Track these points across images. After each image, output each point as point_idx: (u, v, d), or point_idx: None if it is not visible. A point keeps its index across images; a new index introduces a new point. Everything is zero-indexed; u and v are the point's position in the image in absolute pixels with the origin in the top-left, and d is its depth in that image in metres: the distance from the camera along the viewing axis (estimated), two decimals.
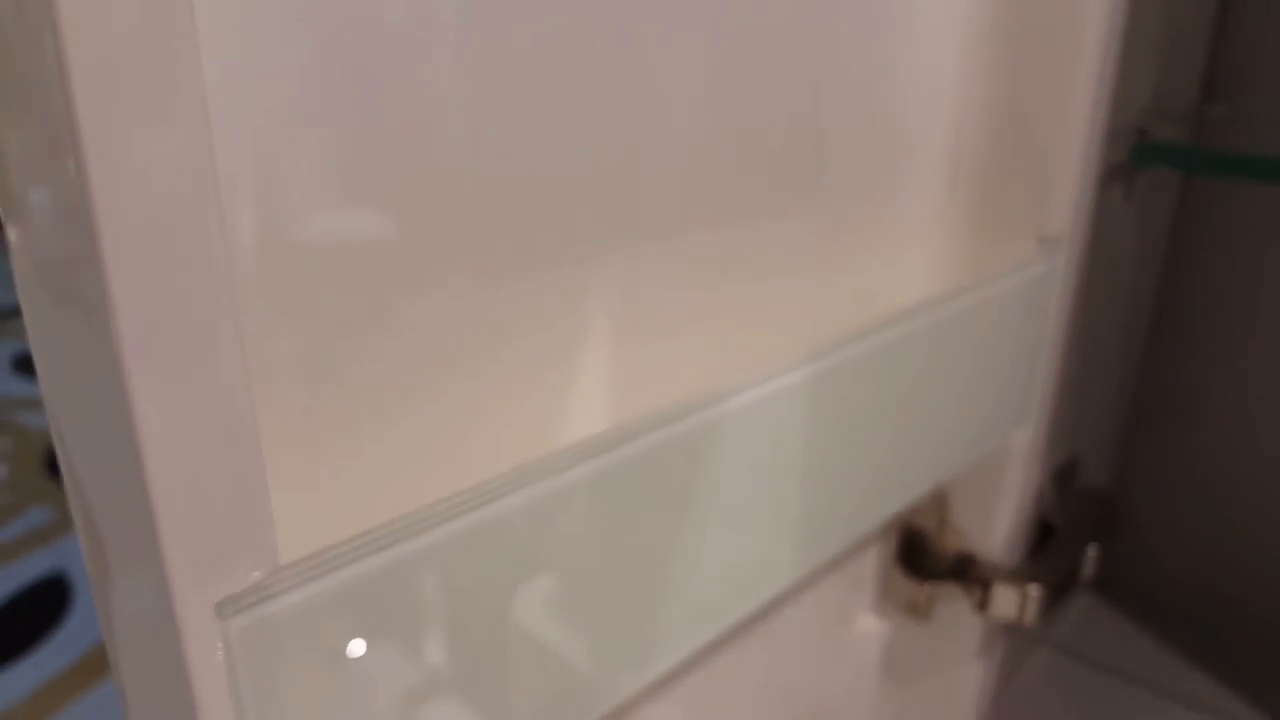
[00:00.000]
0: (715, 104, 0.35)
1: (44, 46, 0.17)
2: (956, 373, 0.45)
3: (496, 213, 0.29)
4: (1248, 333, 0.63)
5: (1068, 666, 0.66)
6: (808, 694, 0.60)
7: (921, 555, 0.57)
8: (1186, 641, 0.67)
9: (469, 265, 0.29)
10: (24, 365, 2.03)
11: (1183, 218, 0.62)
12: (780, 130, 0.39)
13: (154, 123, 0.18)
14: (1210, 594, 0.69)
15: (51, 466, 1.72)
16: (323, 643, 0.23)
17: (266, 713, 0.22)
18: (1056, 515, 0.58)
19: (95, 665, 1.39)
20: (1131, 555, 0.70)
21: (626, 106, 0.31)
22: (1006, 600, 0.53)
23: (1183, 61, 0.56)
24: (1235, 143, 0.58)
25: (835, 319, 0.46)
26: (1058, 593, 0.55)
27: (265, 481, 0.21)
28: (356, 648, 0.24)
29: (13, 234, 0.20)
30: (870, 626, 0.61)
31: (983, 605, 0.54)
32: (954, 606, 0.57)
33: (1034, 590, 0.53)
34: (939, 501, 0.56)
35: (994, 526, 0.54)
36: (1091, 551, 0.58)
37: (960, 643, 0.58)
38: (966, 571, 0.55)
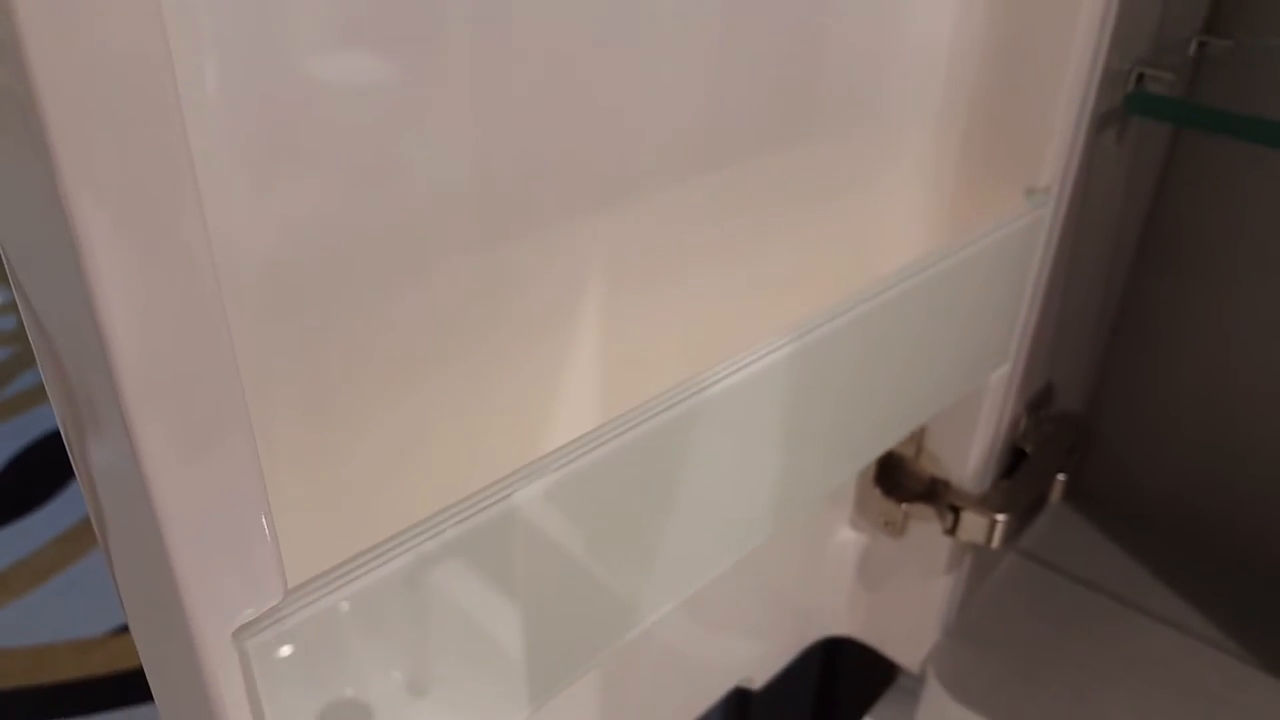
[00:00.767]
0: (710, 46, 0.35)
1: None
2: (941, 326, 0.46)
3: (483, 169, 0.29)
4: (1229, 261, 0.65)
5: (1035, 573, 0.70)
6: (791, 594, 0.64)
7: (898, 478, 0.60)
8: (1153, 553, 0.71)
9: (453, 236, 0.30)
10: None
11: (1174, 153, 0.62)
12: (775, 69, 0.39)
13: None
14: (1179, 507, 0.72)
15: None
16: (336, 652, 0.25)
17: None
18: (1029, 441, 0.61)
19: None
20: (1103, 467, 0.73)
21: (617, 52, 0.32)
22: (975, 527, 0.56)
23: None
24: (1233, 81, 0.58)
25: (826, 267, 0.47)
26: (1025, 519, 0.58)
27: (271, 517, 0.23)
28: (368, 652, 0.26)
29: None
30: (848, 538, 0.64)
31: (952, 530, 0.57)
32: (927, 526, 0.60)
33: (1001, 518, 0.56)
34: (916, 430, 0.58)
35: (968, 455, 0.57)
36: (1061, 476, 0.60)
37: (931, 558, 0.61)
38: (939, 496, 0.58)
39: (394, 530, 0.27)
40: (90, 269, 0.17)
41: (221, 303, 0.20)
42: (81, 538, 1.61)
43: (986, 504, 0.56)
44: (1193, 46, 0.57)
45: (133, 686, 1.32)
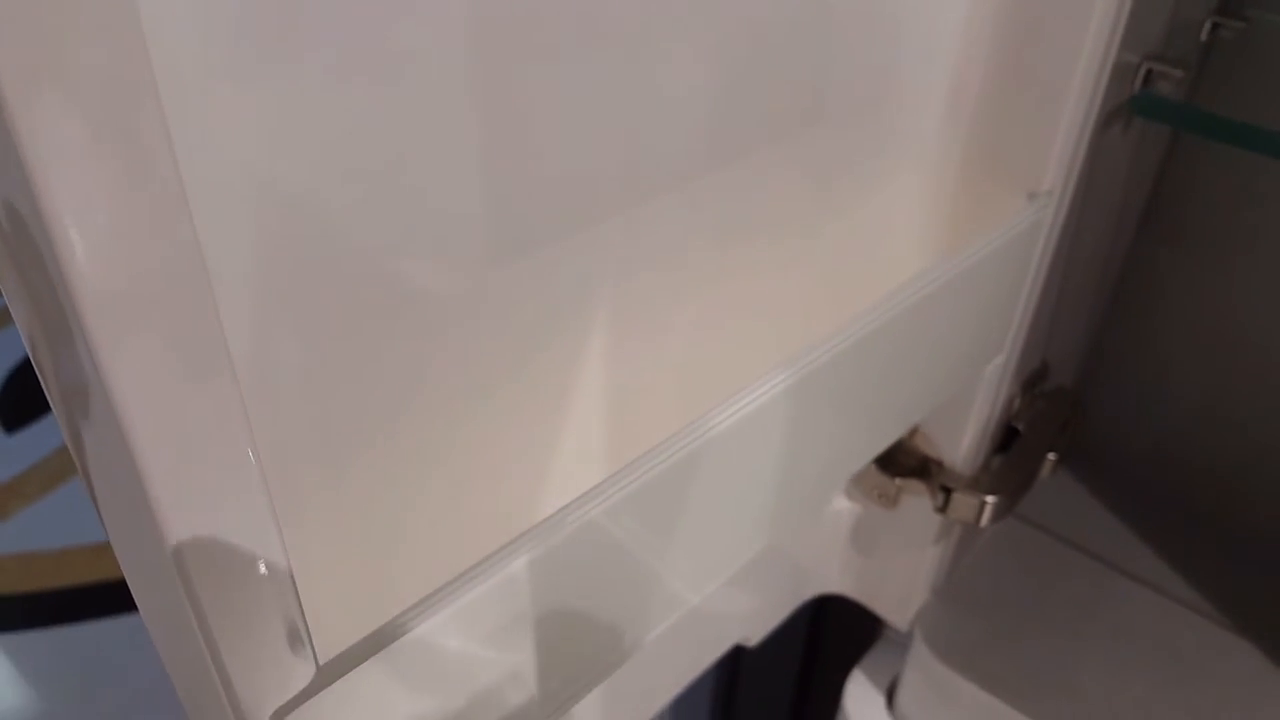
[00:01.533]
0: (714, 50, 0.36)
1: None
2: (941, 335, 0.47)
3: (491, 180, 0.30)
4: (1224, 232, 0.65)
5: (1024, 533, 0.72)
6: (789, 556, 0.66)
7: (892, 453, 0.61)
8: (1139, 516, 0.73)
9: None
10: None
11: (1177, 131, 0.62)
12: (780, 73, 0.39)
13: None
14: (1167, 471, 0.74)
15: None
16: (369, 709, 0.27)
17: None
18: (1022, 419, 0.62)
19: None
20: (1094, 429, 0.75)
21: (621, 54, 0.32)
22: (965, 507, 0.58)
23: None
24: (1244, 68, 0.58)
25: (830, 272, 0.48)
26: (1015, 497, 0.60)
27: (300, 608, 0.25)
28: (398, 707, 0.28)
29: None
30: (843, 506, 0.66)
31: (943, 509, 0.59)
32: (918, 500, 0.62)
33: (991, 500, 0.58)
34: None
35: (961, 437, 0.58)
36: (1051, 456, 0.62)
37: (921, 529, 0.63)
38: (931, 474, 0.60)
39: (410, 587, 0.29)
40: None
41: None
42: None
43: (977, 486, 0.58)
44: (1205, 30, 0.57)
45: None
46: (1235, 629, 0.66)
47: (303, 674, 0.25)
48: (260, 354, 0.25)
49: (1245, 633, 0.66)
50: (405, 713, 0.29)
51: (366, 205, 0.26)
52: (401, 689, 0.29)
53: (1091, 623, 0.67)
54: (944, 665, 0.64)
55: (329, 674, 0.26)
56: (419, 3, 0.24)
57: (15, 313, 0.19)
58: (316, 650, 0.26)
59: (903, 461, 0.61)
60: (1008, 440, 0.63)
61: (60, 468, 1.52)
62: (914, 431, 0.60)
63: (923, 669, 0.65)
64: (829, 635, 0.82)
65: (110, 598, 1.33)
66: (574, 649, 0.35)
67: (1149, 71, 0.51)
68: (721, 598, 0.61)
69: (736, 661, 0.70)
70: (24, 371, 1.66)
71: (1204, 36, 0.57)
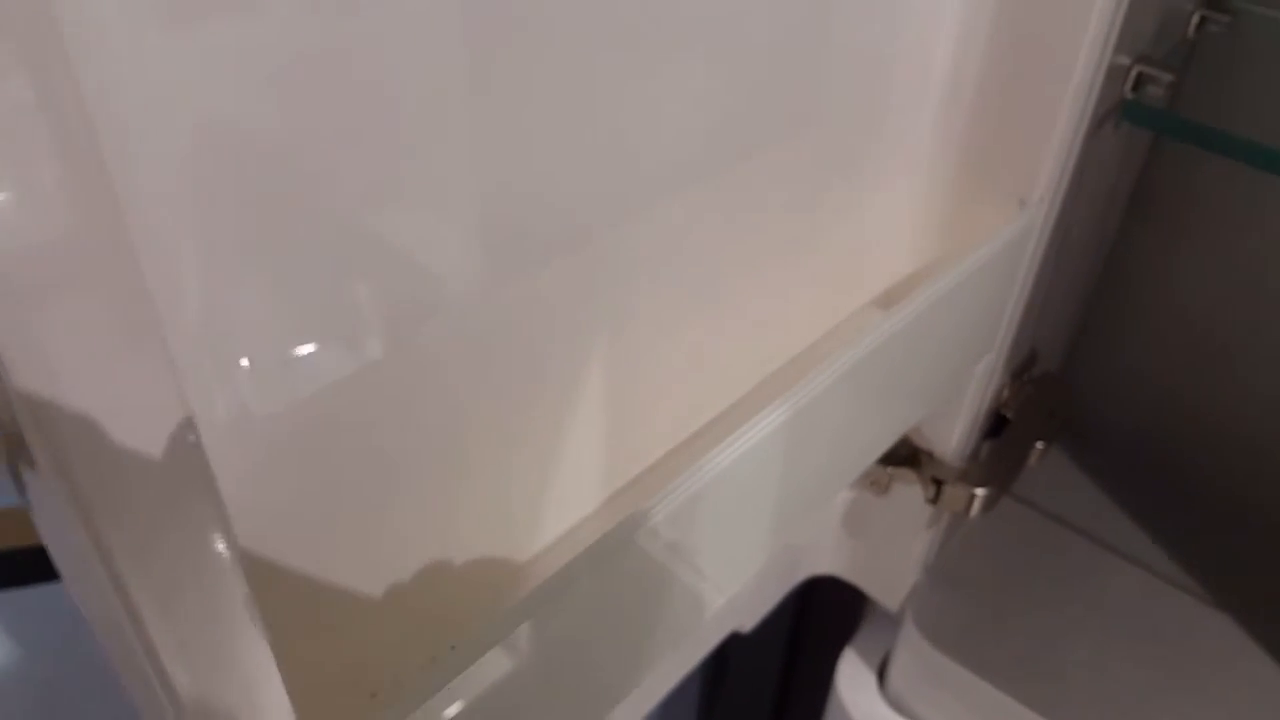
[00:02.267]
0: (708, 59, 0.35)
1: None
2: (936, 342, 0.48)
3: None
4: (1207, 215, 0.66)
5: (1014, 509, 0.73)
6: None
7: None
8: (1126, 493, 0.75)
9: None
10: None
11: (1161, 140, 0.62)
12: (775, 80, 0.39)
13: None
14: (1152, 448, 0.75)
15: None
16: None
17: None
18: (1011, 407, 0.63)
19: None
20: (1082, 407, 0.76)
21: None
22: (955, 499, 0.59)
23: None
24: (1229, 64, 0.58)
25: (824, 280, 0.48)
26: (1003, 489, 0.61)
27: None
28: None
29: None
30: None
31: (934, 500, 0.60)
32: (910, 488, 0.63)
33: (981, 492, 0.59)
34: None
35: (951, 430, 0.59)
36: (1040, 445, 0.63)
37: (912, 515, 0.64)
38: (922, 465, 0.61)
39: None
40: None
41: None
42: None
43: (967, 478, 0.59)
44: (1193, 25, 0.57)
45: None
46: (1217, 604, 0.68)
47: None
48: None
49: (1228, 607, 0.67)
50: None
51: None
52: None
53: (1078, 599, 0.68)
54: (934, 648, 0.65)
55: None
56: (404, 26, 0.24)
57: None
58: None
59: (894, 451, 0.62)
60: (997, 426, 0.64)
61: None
62: None
63: (913, 650, 0.67)
64: (815, 613, 0.84)
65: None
66: (578, 686, 0.36)
67: (1139, 75, 0.51)
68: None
69: (725, 642, 0.72)
70: None
71: (1191, 31, 0.57)
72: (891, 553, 0.68)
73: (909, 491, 0.63)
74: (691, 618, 0.41)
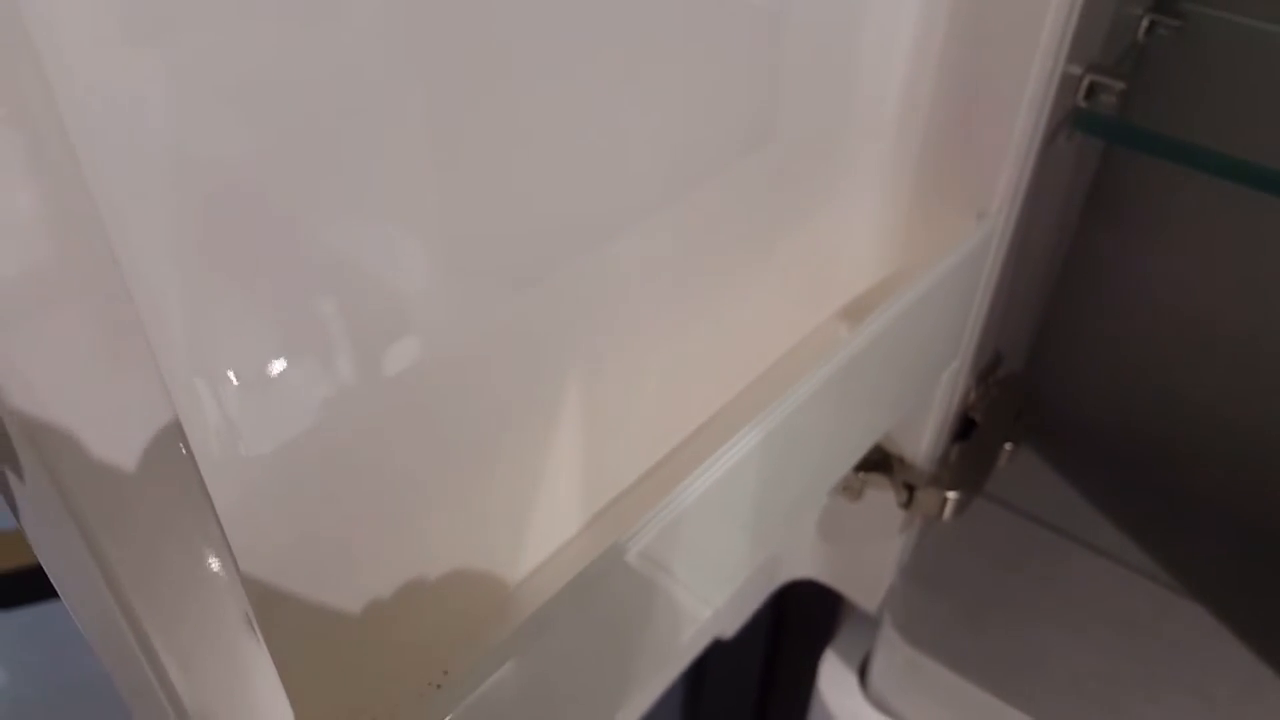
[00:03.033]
0: (669, 80, 0.36)
1: None
2: (902, 354, 0.49)
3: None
4: (1165, 215, 0.67)
5: (984, 508, 0.75)
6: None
7: None
8: (1094, 487, 0.76)
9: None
10: None
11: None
12: (737, 101, 0.40)
13: None
14: (1118, 443, 0.77)
15: None
16: None
17: None
18: (978, 409, 0.64)
19: None
20: (1048, 408, 0.77)
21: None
22: (928, 503, 0.61)
23: None
24: (1178, 68, 0.59)
25: (789, 296, 0.49)
26: (975, 491, 0.62)
27: None
28: None
29: None
30: None
31: (907, 505, 0.61)
32: (883, 493, 0.64)
33: (953, 495, 0.60)
34: None
35: (921, 436, 0.60)
36: (1008, 446, 0.64)
37: (886, 519, 0.65)
38: (894, 470, 0.62)
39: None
40: None
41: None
42: None
43: (939, 483, 0.60)
44: (1142, 29, 0.58)
45: None
46: (1187, 593, 0.69)
47: None
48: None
49: (1197, 596, 0.69)
50: None
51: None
52: None
53: (1050, 593, 0.70)
54: (912, 647, 0.66)
55: None
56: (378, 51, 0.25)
57: None
58: None
59: (867, 457, 0.63)
60: (966, 429, 0.65)
61: None
62: None
63: (892, 650, 0.68)
64: (792, 616, 0.85)
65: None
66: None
67: (1091, 84, 0.52)
68: None
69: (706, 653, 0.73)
70: None
71: (1140, 36, 0.58)
72: (867, 556, 0.69)
73: (882, 496, 0.65)
74: (678, 632, 0.42)
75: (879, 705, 0.70)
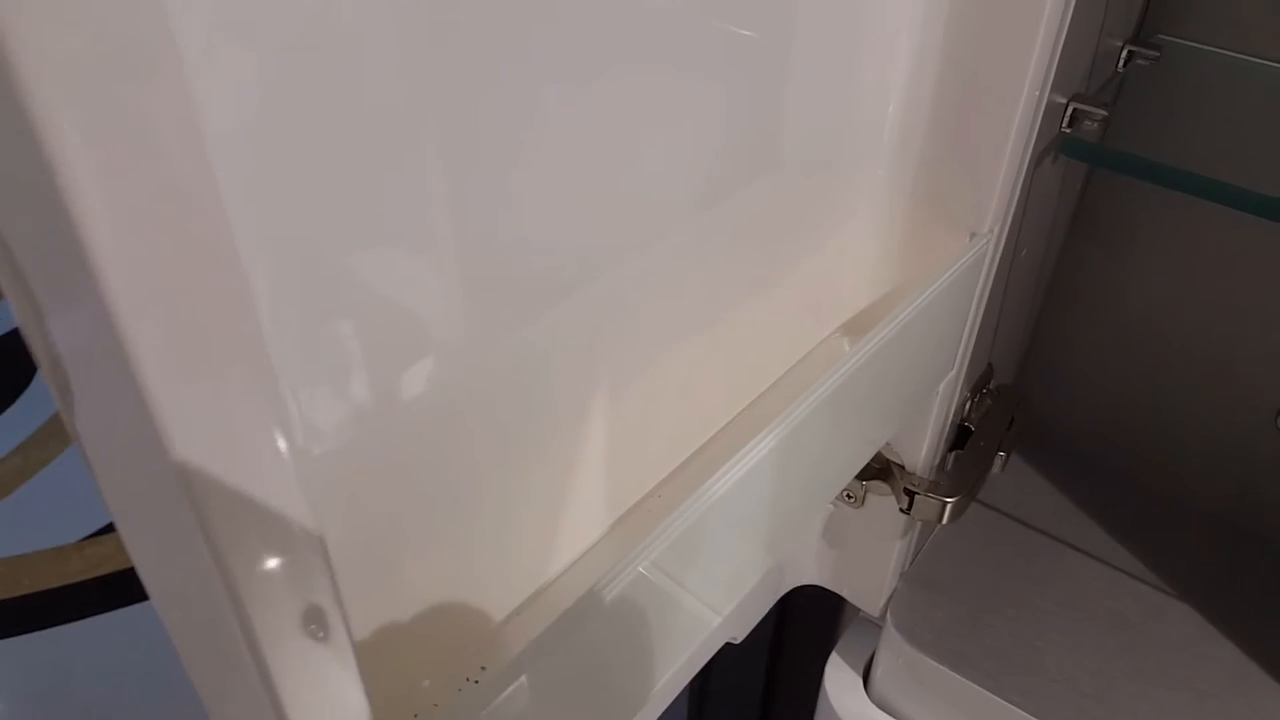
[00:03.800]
0: (672, 110, 0.38)
1: None
2: (902, 368, 0.52)
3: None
4: (1148, 229, 0.71)
5: (980, 514, 0.78)
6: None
7: None
8: (1084, 492, 0.79)
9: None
10: None
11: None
12: (740, 131, 0.43)
13: None
14: (1106, 449, 0.80)
15: None
16: None
17: None
18: (973, 419, 0.67)
19: None
20: (1038, 416, 0.80)
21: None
22: (928, 508, 0.64)
23: (1120, 12, 0.59)
24: (1155, 95, 0.63)
25: (790, 316, 0.52)
26: (971, 497, 0.65)
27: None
28: None
29: None
30: None
31: (907, 510, 0.64)
32: (884, 499, 0.67)
33: (951, 500, 0.63)
34: None
35: (920, 444, 0.63)
36: (1001, 454, 0.67)
37: (888, 525, 0.68)
38: (894, 478, 0.65)
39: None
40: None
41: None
42: (45, 443, 1.60)
43: (937, 489, 0.63)
44: (1121, 59, 0.62)
45: (114, 589, 1.35)
46: (1176, 594, 0.72)
47: None
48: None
49: (1186, 597, 0.72)
50: None
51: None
52: None
53: (1046, 595, 0.73)
54: (914, 649, 0.69)
55: None
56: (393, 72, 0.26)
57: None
58: None
59: (869, 465, 0.66)
60: (961, 438, 0.68)
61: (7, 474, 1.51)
62: None
63: (895, 652, 0.71)
64: (796, 620, 0.88)
65: (73, 600, 1.33)
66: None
67: (1074, 112, 0.55)
68: None
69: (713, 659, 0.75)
70: None
71: (1120, 66, 0.61)
72: (870, 561, 0.72)
73: (883, 503, 0.67)
74: (692, 636, 0.45)
75: (882, 706, 0.73)
